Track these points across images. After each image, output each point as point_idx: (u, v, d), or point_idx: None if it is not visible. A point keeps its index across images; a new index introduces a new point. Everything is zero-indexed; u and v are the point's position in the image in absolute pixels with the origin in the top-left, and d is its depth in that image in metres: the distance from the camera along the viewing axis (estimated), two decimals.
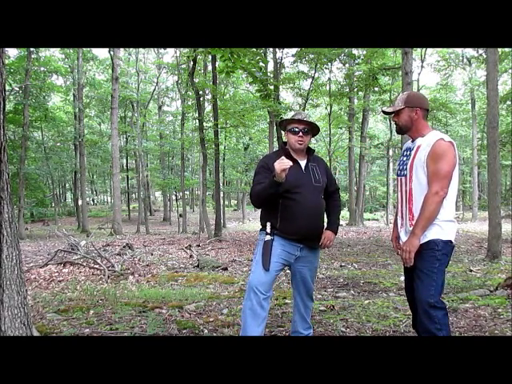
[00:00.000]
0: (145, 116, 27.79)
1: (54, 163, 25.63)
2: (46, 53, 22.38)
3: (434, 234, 2.29)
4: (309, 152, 2.81)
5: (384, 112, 2.57)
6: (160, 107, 31.10)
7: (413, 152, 2.39)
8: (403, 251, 2.32)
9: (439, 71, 25.26)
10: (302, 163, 2.74)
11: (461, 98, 30.20)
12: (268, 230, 2.65)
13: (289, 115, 2.88)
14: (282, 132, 2.94)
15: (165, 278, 6.39)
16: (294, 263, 2.75)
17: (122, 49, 22.95)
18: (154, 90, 27.80)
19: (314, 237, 2.73)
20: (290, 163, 2.41)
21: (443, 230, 2.30)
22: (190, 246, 11.05)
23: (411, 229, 2.37)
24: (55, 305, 4.49)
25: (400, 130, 2.51)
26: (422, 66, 20.81)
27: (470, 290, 4.96)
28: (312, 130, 2.74)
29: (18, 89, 19.89)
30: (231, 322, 3.73)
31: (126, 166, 32.67)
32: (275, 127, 16.67)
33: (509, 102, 16.84)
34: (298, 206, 2.60)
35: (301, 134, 2.67)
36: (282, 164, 2.39)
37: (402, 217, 2.48)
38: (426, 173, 2.30)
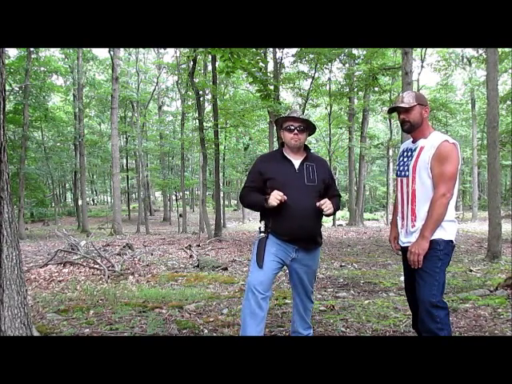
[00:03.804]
0: (145, 116, 27.80)
1: (54, 163, 25.66)
2: (46, 53, 22.38)
3: (436, 233, 2.29)
4: (306, 151, 2.77)
5: (392, 109, 2.50)
6: (160, 107, 31.10)
7: (415, 153, 2.38)
8: (412, 253, 2.30)
9: (439, 71, 25.24)
10: (297, 162, 2.70)
11: (461, 98, 30.20)
12: (262, 228, 2.68)
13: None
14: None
15: (165, 277, 6.39)
16: (291, 264, 2.72)
17: (121, 49, 22.96)
18: (154, 89, 27.80)
19: (307, 238, 2.68)
20: (285, 198, 2.54)
21: (445, 230, 2.30)
22: (189, 246, 11.05)
23: (413, 230, 2.37)
24: (55, 305, 4.49)
25: (410, 127, 2.40)
26: (422, 66, 20.85)
27: (470, 290, 4.96)
28: (308, 127, 2.72)
29: (18, 89, 19.88)
30: (231, 321, 3.73)
31: (126, 166, 32.67)
32: (275, 127, 16.67)
33: (509, 102, 16.84)
34: (288, 207, 2.58)
35: (296, 131, 2.66)
36: (276, 199, 2.52)
37: (402, 217, 2.47)
38: (429, 174, 2.29)
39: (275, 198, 2.51)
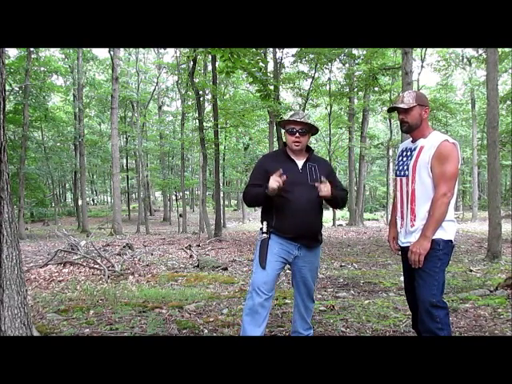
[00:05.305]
0: (145, 116, 27.78)
1: (54, 163, 25.63)
2: (46, 53, 22.38)
3: (435, 233, 2.29)
4: (308, 151, 2.81)
5: (392, 109, 2.50)
6: (160, 107, 31.08)
7: (415, 153, 2.37)
8: (413, 253, 2.29)
9: (439, 71, 25.24)
10: (300, 163, 2.74)
11: (461, 98, 30.18)
12: (264, 228, 2.69)
13: (287, 115, 2.89)
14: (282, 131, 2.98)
15: (165, 277, 6.39)
16: (294, 262, 2.75)
17: (121, 49, 22.95)
18: (154, 89, 27.79)
19: (310, 235, 2.71)
20: (284, 178, 2.52)
21: (444, 229, 2.30)
22: (189, 246, 11.05)
23: (412, 229, 2.37)
24: (55, 305, 4.49)
25: (409, 128, 2.40)
26: (422, 66, 20.85)
27: (470, 290, 4.96)
28: (310, 129, 2.75)
29: (18, 89, 19.87)
30: (231, 322, 3.73)
31: (126, 166, 32.66)
32: (275, 127, 16.68)
33: (509, 102, 16.83)
34: (292, 204, 2.61)
35: (297, 134, 2.68)
36: (274, 182, 2.51)
37: (402, 217, 2.47)
38: (429, 174, 2.29)
39: (274, 180, 2.50)
